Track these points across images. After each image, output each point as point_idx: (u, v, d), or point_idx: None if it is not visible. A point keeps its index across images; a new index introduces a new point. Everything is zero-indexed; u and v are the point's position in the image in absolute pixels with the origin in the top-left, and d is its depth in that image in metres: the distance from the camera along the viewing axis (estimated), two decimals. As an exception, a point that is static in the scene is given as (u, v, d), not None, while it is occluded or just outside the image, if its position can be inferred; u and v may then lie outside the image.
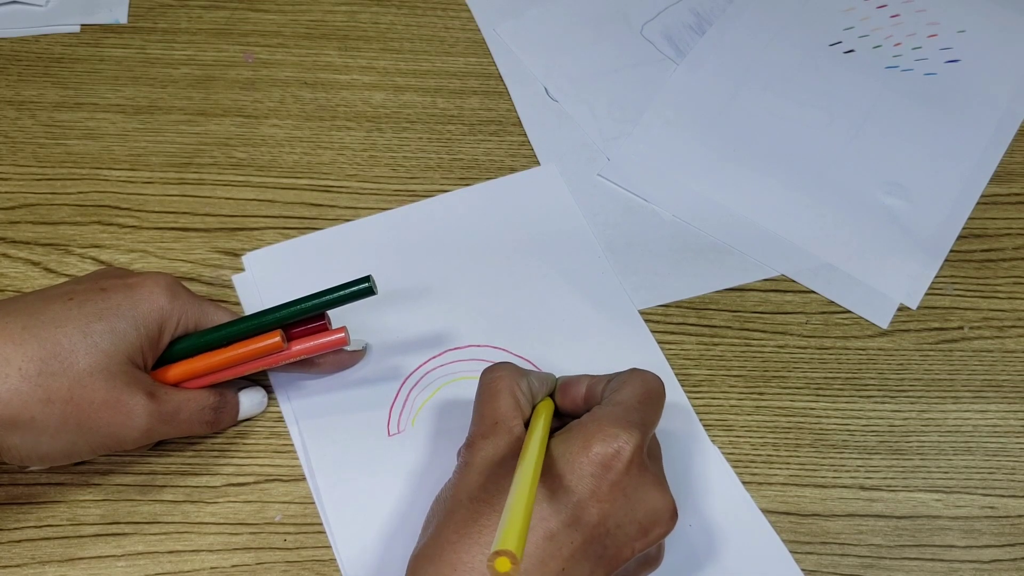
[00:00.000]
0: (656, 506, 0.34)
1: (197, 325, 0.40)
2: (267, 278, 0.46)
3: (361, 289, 0.39)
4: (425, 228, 0.49)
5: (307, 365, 0.42)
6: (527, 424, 0.37)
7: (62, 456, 0.37)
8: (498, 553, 0.26)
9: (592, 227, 0.50)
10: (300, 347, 0.40)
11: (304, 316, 0.40)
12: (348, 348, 0.43)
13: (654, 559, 0.37)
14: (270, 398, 0.43)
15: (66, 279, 0.45)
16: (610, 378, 0.38)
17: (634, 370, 0.38)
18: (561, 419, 0.38)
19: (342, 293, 0.39)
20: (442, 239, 0.49)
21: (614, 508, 0.33)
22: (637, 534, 0.34)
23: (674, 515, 0.35)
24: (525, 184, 0.51)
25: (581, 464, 0.33)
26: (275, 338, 0.39)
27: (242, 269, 0.47)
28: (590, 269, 0.48)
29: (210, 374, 0.40)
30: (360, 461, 0.42)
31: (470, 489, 0.34)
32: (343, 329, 0.40)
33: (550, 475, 0.33)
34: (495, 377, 0.38)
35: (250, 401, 0.42)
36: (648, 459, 0.35)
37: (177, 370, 0.39)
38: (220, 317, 0.40)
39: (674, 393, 0.45)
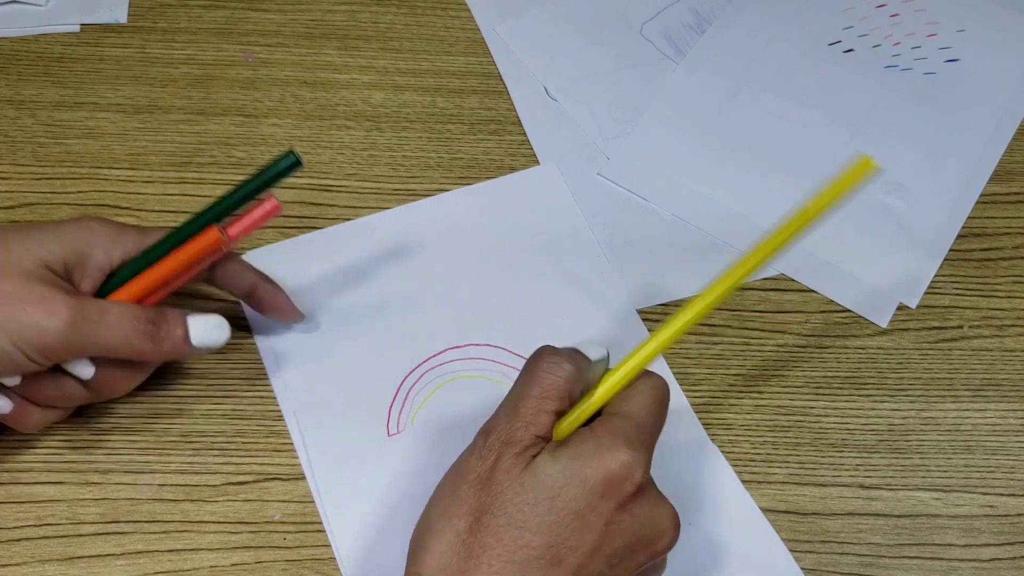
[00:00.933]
0: (660, 522, 0.34)
1: (136, 249, 0.39)
2: (270, 276, 0.46)
3: (289, 164, 0.38)
4: (425, 227, 0.49)
5: (256, 303, 0.43)
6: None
7: None
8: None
9: (592, 226, 0.50)
10: (237, 229, 0.39)
11: (237, 206, 0.39)
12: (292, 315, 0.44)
13: (655, 569, 0.36)
14: (269, 396, 0.43)
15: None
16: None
17: (644, 375, 0.36)
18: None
19: (270, 172, 0.38)
20: (442, 238, 0.49)
21: (620, 528, 0.33)
22: (642, 550, 0.33)
23: (677, 526, 0.34)
24: (525, 183, 0.51)
25: (590, 482, 0.32)
26: (212, 233, 0.38)
27: (242, 268, 0.47)
28: (590, 268, 0.48)
29: (156, 291, 0.39)
30: (360, 460, 0.42)
31: (474, 507, 0.33)
32: (269, 196, 0.39)
33: (560, 497, 0.32)
34: (538, 365, 0.35)
35: (205, 325, 0.39)
36: (650, 477, 0.35)
37: (120, 295, 0.38)
38: (157, 237, 0.39)
39: (673, 393, 0.44)
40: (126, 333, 0.37)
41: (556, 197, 0.51)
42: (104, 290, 0.38)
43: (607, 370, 0.36)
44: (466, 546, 0.32)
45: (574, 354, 0.36)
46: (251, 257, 0.47)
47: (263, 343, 0.45)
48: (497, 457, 0.33)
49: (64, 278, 0.37)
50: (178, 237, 0.39)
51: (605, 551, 0.32)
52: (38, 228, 0.37)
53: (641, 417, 0.35)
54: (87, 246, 0.38)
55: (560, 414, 0.34)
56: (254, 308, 0.44)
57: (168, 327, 0.38)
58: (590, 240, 0.49)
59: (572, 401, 0.35)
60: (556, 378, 0.34)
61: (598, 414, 0.35)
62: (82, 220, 0.38)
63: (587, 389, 0.36)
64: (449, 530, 0.32)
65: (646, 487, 0.34)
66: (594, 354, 0.36)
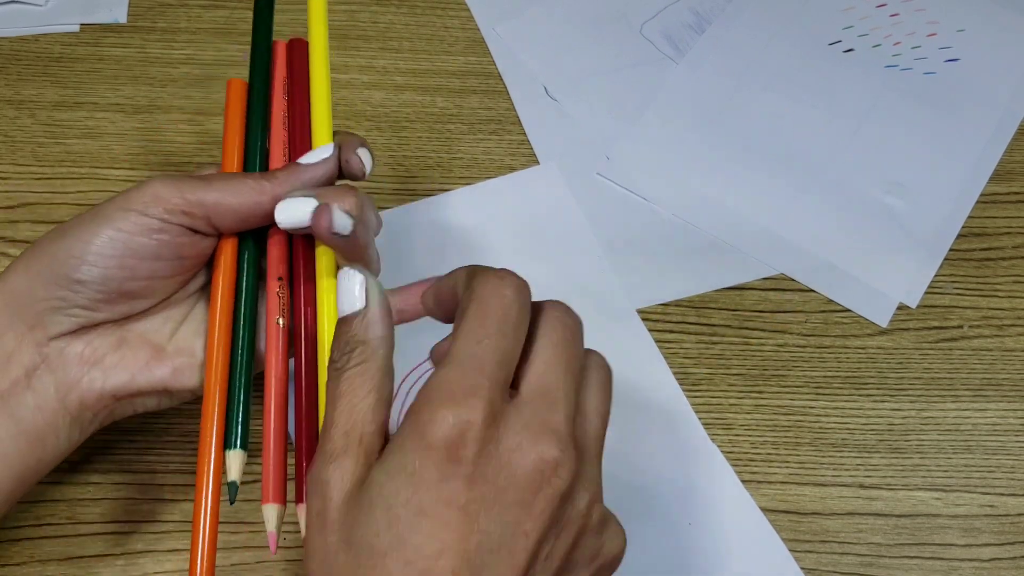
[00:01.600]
0: (527, 463, 0.26)
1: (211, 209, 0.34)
2: None
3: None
4: (425, 227, 0.49)
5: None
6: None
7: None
8: None
9: (591, 226, 0.50)
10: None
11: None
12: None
13: (602, 556, 0.29)
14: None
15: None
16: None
17: (548, 308, 0.30)
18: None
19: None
20: (442, 238, 0.49)
21: (478, 503, 0.26)
22: (522, 515, 0.26)
23: (560, 451, 0.27)
24: (525, 183, 0.51)
25: (421, 467, 0.26)
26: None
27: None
28: (589, 269, 0.48)
29: None
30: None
31: (328, 558, 0.27)
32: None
33: (395, 502, 0.26)
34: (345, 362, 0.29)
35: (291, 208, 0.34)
36: (497, 416, 0.27)
37: None
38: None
39: (673, 393, 0.45)
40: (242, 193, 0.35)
41: (556, 197, 0.51)
42: None
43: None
44: None
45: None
46: None
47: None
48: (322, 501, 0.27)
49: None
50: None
51: (475, 539, 0.26)
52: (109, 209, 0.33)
53: (465, 348, 0.28)
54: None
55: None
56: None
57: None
58: (590, 240, 0.49)
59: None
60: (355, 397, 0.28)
61: None
62: (139, 196, 0.33)
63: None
64: None
65: (500, 428, 0.27)
66: (356, 301, 0.30)
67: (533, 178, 0.51)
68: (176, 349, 0.36)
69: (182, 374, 0.35)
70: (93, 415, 0.35)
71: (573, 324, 0.30)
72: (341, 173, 0.37)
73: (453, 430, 0.26)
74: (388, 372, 0.29)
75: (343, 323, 0.30)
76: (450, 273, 0.32)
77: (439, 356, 0.32)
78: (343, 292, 0.30)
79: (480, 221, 0.49)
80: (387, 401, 0.29)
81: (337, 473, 0.27)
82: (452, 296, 0.32)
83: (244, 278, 0.36)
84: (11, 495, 0.33)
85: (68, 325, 0.34)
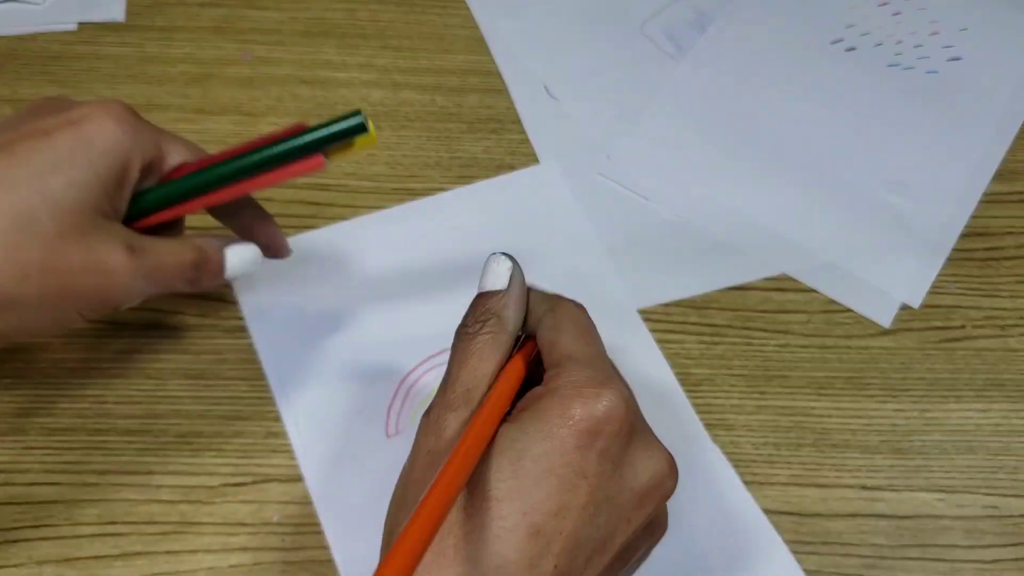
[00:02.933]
0: (651, 467, 0.30)
1: (156, 158, 0.35)
2: (267, 275, 0.46)
3: (351, 126, 0.34)
4: (426, 226, 0.49)
5: (249, 234, 0.40)
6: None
7: (52, 328, 0.34)
8: None
9: (592, 225, 0.49)
10: (276, 177, 0.36)
11: (280, 160, 0.36)
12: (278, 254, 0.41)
13: (659, 526, 0.32)
14: (267, 397, 0.43)
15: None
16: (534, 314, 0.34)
17: (557, 302, 0.33)
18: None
19: (327, 131, 0.35)
20: (443, 237, 0.48)
21: (601, 481, 0.28)
22: (633, 504, 0.29)
23: (673, 470, 0.30)
24: (525, 182, 0.51)
25: (561, 438, 0.28)
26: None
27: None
28: (590, 268, 0.48)
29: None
30: (358, 462, 0.41)
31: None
32: (320, 157, 0.36)
33: (527, 455, 0.28)
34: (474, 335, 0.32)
35: (238, 258, 0.37)
36: (636, 415, 0.30)
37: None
38: (179, 150, 0.36)
39: (673, 393, 0.44)
40: (172, 282, 0.36)
41: (557, 196, 0.50)
42: (138, 205, 0.35)
43: (523, 282, 0.34)
44: (440, 545, 0.28)
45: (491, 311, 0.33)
46: None
47: (261, 343, 0.45)
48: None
49: (110, 211, 0.33)
50: (216, 173, 0.35)
51: (591, 510, 0.28)
52: (71, 163, 0.32)
53: (585, 351, 0.31)
54: (123, 170, 0.33)
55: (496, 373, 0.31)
56: (244, 238, 0.40)
57: (209, 268, 0.37)
58: (590, 239, 0.49)
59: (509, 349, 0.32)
60: (478, 342, 0.32)
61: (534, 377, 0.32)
62: (103, 123, 0.33)
63: (525, 315, 0.33)
64: None
65: (631, 430, 0.29)
66: (500, 281, 0.33)
67: (534, 177, 0.51)
68: None
69: None
70: None
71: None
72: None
73: (602, 412, 0.29)
74: (510, 350, 0.32)
75: (483, 296, 0.33)
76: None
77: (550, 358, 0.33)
78: (489, 272, 0.34)
79: (481, 220, 0.49)
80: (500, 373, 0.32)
81: (456, 421, 0.30)
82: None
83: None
84: None
85: None
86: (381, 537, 0.32)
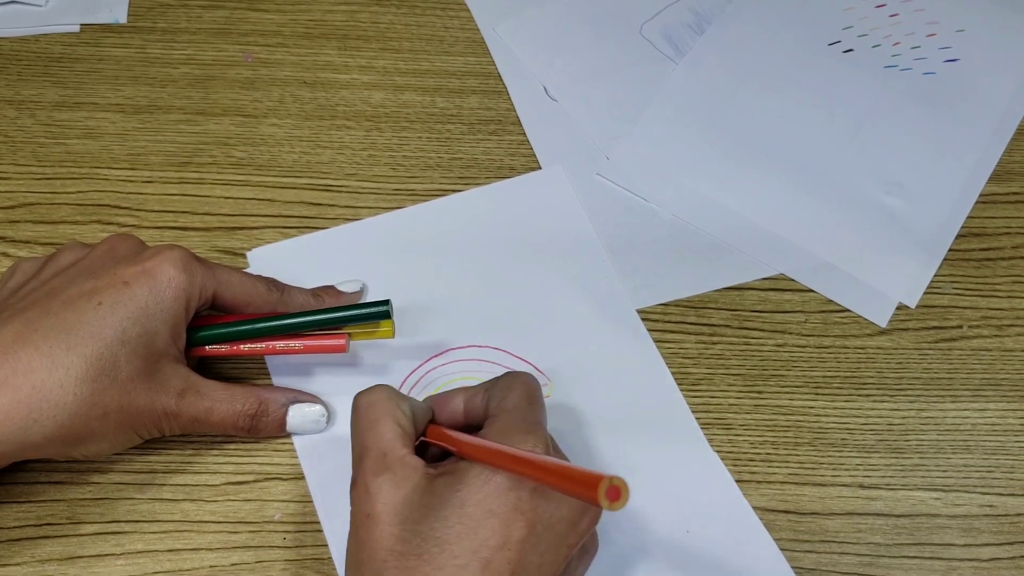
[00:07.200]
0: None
1: (215, 294, 0.40)
2: (272, 274, 0.47)
3: (377, 312, 0.41)
4: (431, 228, 0.49)
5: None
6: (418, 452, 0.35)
7: (118, 449, 0.39)
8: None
9: (592, 227, 0.50)
10: (304, 344, 0.42)
11: (313, 326, 0.41)
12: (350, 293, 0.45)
13: (590, 548, 0.36)
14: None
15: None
16: (486, 387, 0.38)
17: (510, 374, 0.38)
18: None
19: (357, 312, 0.41)
20: (448, 239, 0.49)
21: (539, 513, 0.32)
22: (568, 530, 0.33)
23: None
24: (532, 186, 0.51)
25: (494, 480, 0.32)
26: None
27: (242, 268, 0.47)
28: (593, 272, 0.48)
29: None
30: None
31: (388, 544, 0.32)
32: (343, 336, 0.41)
33: (468, 502, 0.32)
34: (371, 402, 0.35)
35: (301, 417, 0.42)
36: (555, 453, 0.35)
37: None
38: (234, 281, 0.41)
39: (669, 392, 0.45)
40: (225, 427, 0.40)
41: (562, 200, 0.51)
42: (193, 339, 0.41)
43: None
44: None
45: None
46: (256, 255, 0.47)
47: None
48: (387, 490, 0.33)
49: (175, 353, 0.39)
50: (268, 326, 0.41)
51: (532, 539, 0.32)
52: (147, 314, 0.37)
53: (523, 407, 0.36)
54: (185, 313, 0.39)
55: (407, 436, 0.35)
56: None
57: (268, 421, 0.41)
58: (594, 243, 0.49)
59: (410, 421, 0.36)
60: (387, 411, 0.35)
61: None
62: (171, 273, 0.38)
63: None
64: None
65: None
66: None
67: (540, 181, 0.51)
68: None
69: None
70: None
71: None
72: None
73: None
74: (405, 406, 0.36)
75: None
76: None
77: (471, 408, 0.38)
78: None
79: (487, 223, 0.49)
80: (410, 435, 0.35)
81: (387, 483, 0.33)
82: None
83: None
84: None
85: None
86: None
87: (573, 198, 0.51)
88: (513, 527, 0.31)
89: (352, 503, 0.34)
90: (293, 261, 0.47)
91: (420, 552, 0.31)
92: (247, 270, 0.47)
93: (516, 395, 0.36)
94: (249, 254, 0.47)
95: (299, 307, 0.42)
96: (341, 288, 0.45)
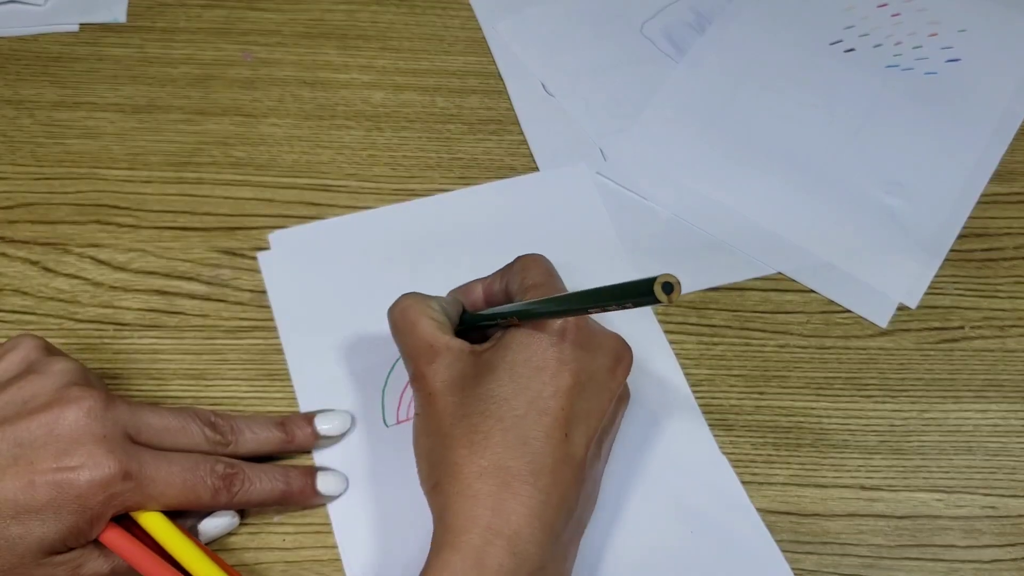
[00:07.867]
0: (612, 345, 0.37)
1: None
2: (293, 257, 0.47)
3: (647, 294, 0.28)
4: (453, 219, 0.49)
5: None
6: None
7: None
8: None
9: (612, 227, 0.50)
10: None
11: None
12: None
13: (625, 397, 0.40)
14: (267, 396, 0.43)
15: (63, 278, 0.45)
16: (501, 273, 0.40)
17: (521, 256, 0.40)
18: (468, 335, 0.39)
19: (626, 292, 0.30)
20: (472, 231, 0.49)
21: (581, 364, 0.35)
22: (608, 377, 0.36)
23: (627, 345, 0.37)
24: (554, 183, 0.51)
25: (539, 342, 0.35)
26: None
27: (241, 268, 0.47)
28: (608, 268, 0.48)
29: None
30: (362, 451, 0.42)
31: (451, 410, 0.35)
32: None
33: (517, 362, 0.35)
34: (403, 309, 0.38)
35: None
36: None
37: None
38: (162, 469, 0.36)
39: (677, 392, 0.45)
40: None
41: (584, 198, 0.50)
42: None
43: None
44: (472, 441, 0.34)
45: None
46: (274, 239, 0.47)
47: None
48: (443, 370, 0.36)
49: (73, 543, 0.34)
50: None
51: (578, 388, 0.35)
52: (37, 516, 0.33)
53: (547, 280, 0.38)
54: (101, 507, 0.34)
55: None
56: None
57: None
58: (612, 240, 0.49)
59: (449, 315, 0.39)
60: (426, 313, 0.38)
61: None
62: (86, 447, 0.34)
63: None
64: (455, 445, 0.34)
65: (587, 322, 0.37)
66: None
67: (564, 178, 0.51)
68: None
69: None
70: None
71: None
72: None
73: (560, 324, 0.35)
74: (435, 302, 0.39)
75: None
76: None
77: (490, 294, 0.41)
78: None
79: (507, 217, 0.49)
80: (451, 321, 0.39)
81: (440, 366, 0.36)
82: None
83: None
84: None
85: None
86: (422, 479, 0.37)
87: (596, 196, 0.51)
88: (560, 377, 0.35)
89: (415, 393, 0.37)
90: (313, 245, 0.47)
91: (482, 411, 0.35)
92: (267, 252, 0.47)
93: (535, 272, 0.38)
94: (270, 236, 0.48)
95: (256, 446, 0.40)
96: (318, 424, 0.41)
